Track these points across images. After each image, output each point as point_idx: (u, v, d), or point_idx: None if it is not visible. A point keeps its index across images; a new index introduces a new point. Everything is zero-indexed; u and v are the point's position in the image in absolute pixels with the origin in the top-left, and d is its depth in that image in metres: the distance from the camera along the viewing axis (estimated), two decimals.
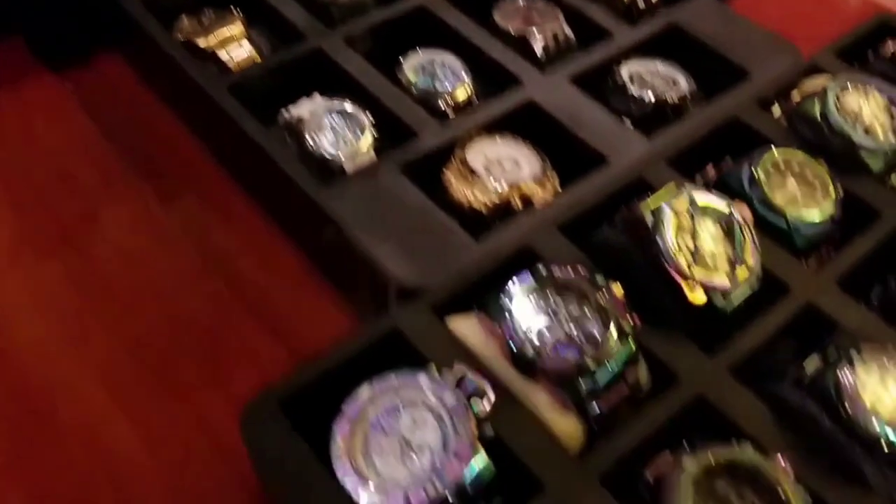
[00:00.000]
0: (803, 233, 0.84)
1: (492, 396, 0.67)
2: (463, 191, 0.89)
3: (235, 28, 1.09)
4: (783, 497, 0.62)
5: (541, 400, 0.70)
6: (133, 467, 0.79)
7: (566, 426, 0.69)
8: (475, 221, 0.87)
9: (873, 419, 0.66)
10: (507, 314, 0.71)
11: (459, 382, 0.67)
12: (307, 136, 0.93)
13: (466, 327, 0.75)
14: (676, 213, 0.76)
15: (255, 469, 0.74)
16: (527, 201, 0.89)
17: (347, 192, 0.88)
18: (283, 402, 0.69)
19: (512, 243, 0.82)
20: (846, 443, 0.66)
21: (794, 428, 0.69)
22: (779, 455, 0.65)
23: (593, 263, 0.80)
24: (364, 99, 0.98)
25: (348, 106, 0.97)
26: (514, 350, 0.70)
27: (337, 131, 0.95)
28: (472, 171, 0.89)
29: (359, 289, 0.88)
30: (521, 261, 0.78)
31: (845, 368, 0.68)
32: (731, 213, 0.78)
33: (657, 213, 0.76)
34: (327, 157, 0.92)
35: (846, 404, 0.66)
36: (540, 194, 0.90)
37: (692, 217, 0.77)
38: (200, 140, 1.07)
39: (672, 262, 0.74)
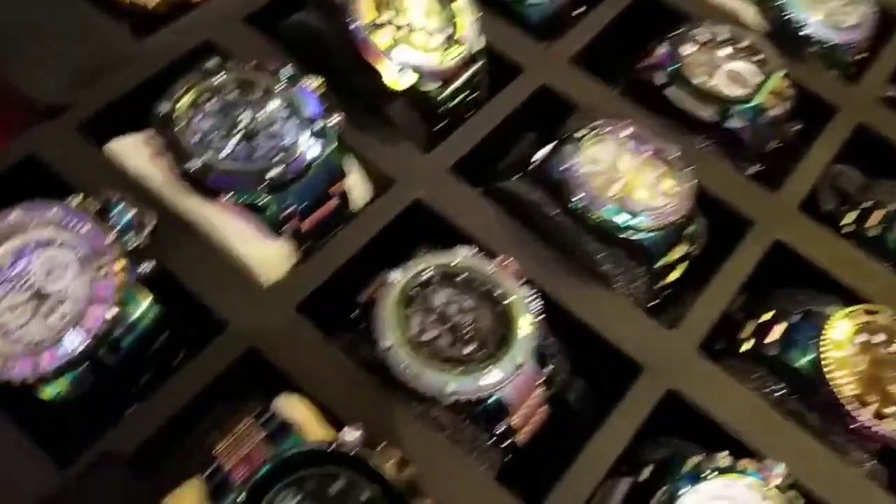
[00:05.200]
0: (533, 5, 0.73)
1: (149, 225, 0.53)
2: None
3: None
4: (504, 301, 0.53)
5: (228, 227, 0.57)
6: None
7: (260, 253, 0.57)
8: (144, 20, 0.70)
9: (605, 203, 0.57)
10: (171, 123, 0.56)
11: (104, 212, 0.52)
12: None
13: (129, 148, 0.60)
14: None
15: None
16: None
17: None
18: None
19: (187, 41, 0.66)
20: (575, 232, 0.58)
21: (524, 225, 0.60)
22: (502, 257, 0.55)
23: (288, 56, 0.65)
24: None
25: None
26: (183, 165, 0.55)
27: None
28: None
29: None
30: (198, 61, 0.62)
31: (573, 150, 0.59)
32: None
33: None
34: None
35: (571, 189, 0.57)
36: None
37: None
38: None
39: (368, 43, 0.61)
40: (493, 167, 0.68)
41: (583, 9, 0.76)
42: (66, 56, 0.64)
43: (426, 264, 0.54)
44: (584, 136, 0.60)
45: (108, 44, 0.66)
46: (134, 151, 0.59)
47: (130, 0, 0.70)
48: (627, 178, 0.59)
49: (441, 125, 0.65)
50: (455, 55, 0.63)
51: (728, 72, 0.69)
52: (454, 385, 0.49)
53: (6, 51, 0.64)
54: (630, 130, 0.61)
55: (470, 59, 0.65)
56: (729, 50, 0.70)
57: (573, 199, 0.57)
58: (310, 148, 0.57)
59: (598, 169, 0.59)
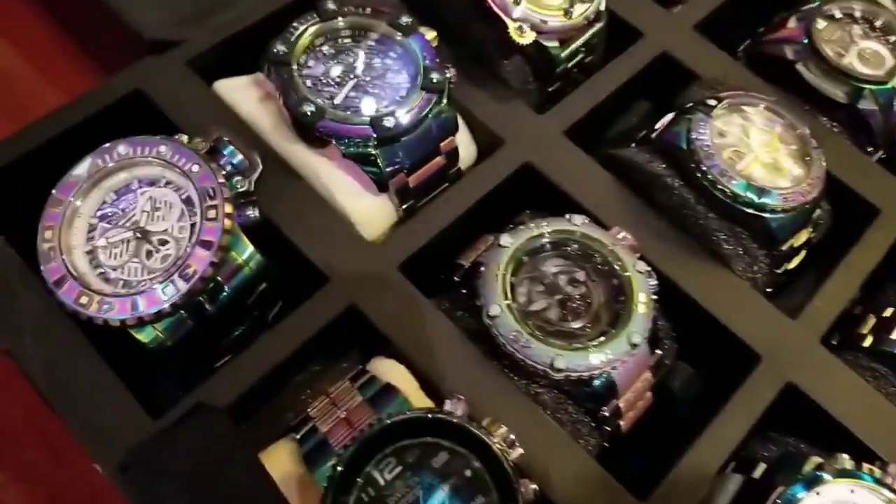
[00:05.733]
0: None
1: (257, 169, 0.52)
2: None
3: None
4: (620, 276, 0.50)
5: (334, 178, 0.55)
6: None
7: (364, 208, 0.55)
8: None
9: (733, 177, 0.53)
10: (285, 64, 0.54)
11: (214, 152, 0.51)
12: None
13: (238, 90, 0.58)
14: None
15: None
16: None
17: None
18: None
19: None
20: (698, 206, 0.54)
21: (642, 195, 0.57)
22: (618, 228, 0.52)
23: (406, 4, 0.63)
24: None
25: None
26: (294, 109, 0.53)
27: None
28: None
29: (104, 48, 0.69)
30: (307, 8, 0.60)
31: (703, 119, 0.55)
32: None
33: None
34: None
35: (700, 160, 0.54)
36: None
37: None
38: None
39: None
40: (606, 134, 0.65)
41: None
42: None
43: (539, 230, 0.51)
44: (714, 105, 0.56)
45: None
46: (244, 93, 0.58)
47: None
48: (758, 153, 0.55)
49: (556, 86, 0.62)
50: (579, 14, 0.59)
51: (861, 51, 0.65)
52: (564, 360, 0.47)
53: None
54: (763, 104, 0.57)
55: (593, 19, 0.61)
56: (863, 29, 0.66)
57: (702, 170, 0.53)
58: (423, 101, 0.55)
59: (727, 141, 0.56)
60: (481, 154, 0.59)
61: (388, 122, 0.53)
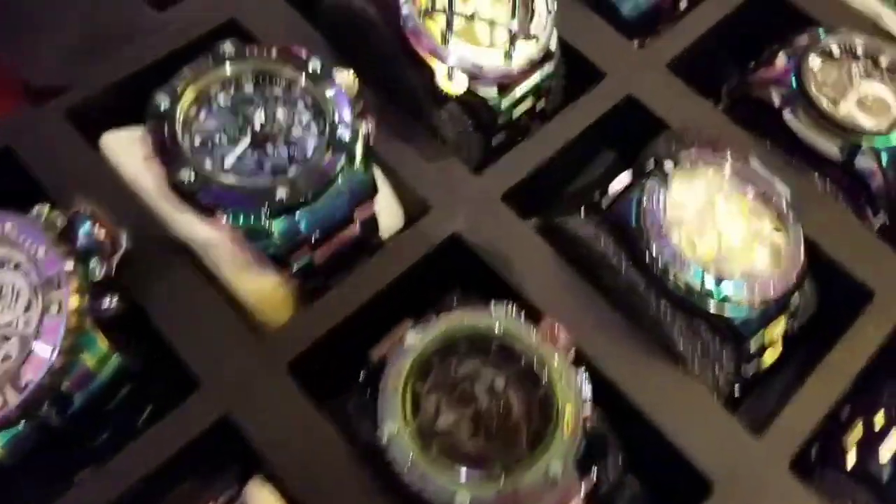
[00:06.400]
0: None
1: (121, 249, 0.44)
2: None
3: None
4: (546, 383, 0.42)
5: (223, 253, 0.47)
6: None
7: (258, 290, 0.47)
8: None
9: (688, 263, 0.45)
10: (168, 120, 0.47)
11: (69, 230, 0.43)
12: None
13: (125, 145, 0.50)
14: None
15: None
16: None
17: None
18: None
19: (208, 15, 0.56)
20: (648, 294, 0.46)
21: (589, 274, 0.48)
22: (550, 320, 0.44)
23: (326, 43, 0.55)
24: None
25: None
26: (171, 176, 0.45)
27: None
28: None
29: None
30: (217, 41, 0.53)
31: (656, 186, 0.47)
32: None
33: None
34: None
35: (649, 241, 0.45)
36: None
37: None
38: None
39: (419, 33, 0.49)
40: (559, 191, 0.56)
41: (686, 3, 0.63)
42: (67, 28, 0.55)
43: (452, 325, 0.43)
44: (672, 168, 0.47)
45: (120, 14, 0.56)
46: (131, 149, 0.50)
47: None
48: (723, 229, 0.47)
49: (501, 139, 0.54)
50: (521, 57, 0.51)
51: (862, 96, 0.55)
52: (466, 496, 0.39)
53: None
54: (731, 166, 0.49)
55: (540, 60, 0.53)
56: (865, 68, 0.56)
57: (652, 256, 0.45)
58: (330, 162, 0.47)
59: (685, 215, 0.47)
60: (409, 221, 0.51)
61: (281, 193, 0.45)
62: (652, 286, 0.46)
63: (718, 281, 0.44)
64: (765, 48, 0.59)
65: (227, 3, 0.56)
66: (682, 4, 0.63)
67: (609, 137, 0.58)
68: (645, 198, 0.46)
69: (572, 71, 0.56)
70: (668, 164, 0.47)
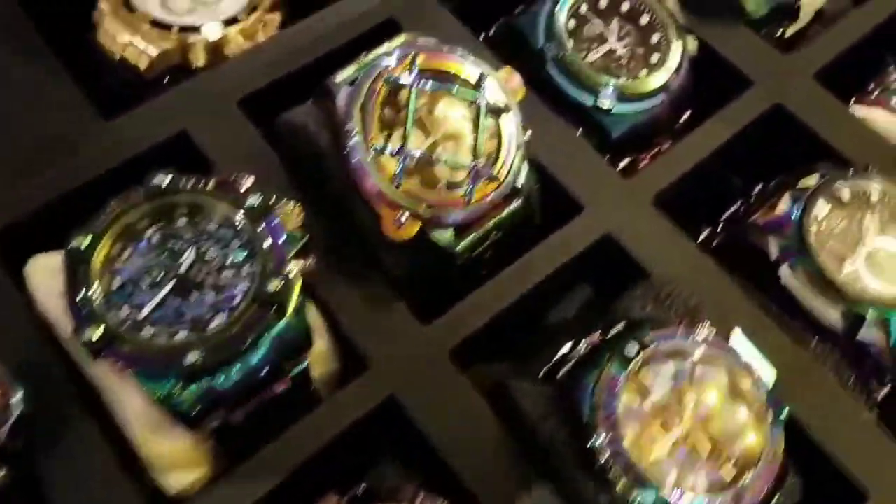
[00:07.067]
0: (620, 115, 0.54)
1: (12, 416, 0.40)
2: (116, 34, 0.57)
3: None
4: None
5: (133, 409, 0.43)
6: None
7: (168, 453, 0.43)
8: (127, 84, 0.57)
9: (641, 477, 0.39)
10: (81, 262, 0.43)
11: None
12: None
13: (49, 276, 0.47)
14: (387, 82, 0.46)
15: None
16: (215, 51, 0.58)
17: None
18: None
19: (160, 127, 0.52)
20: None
21: (525, 457, 0.43)
22: None
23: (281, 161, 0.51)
24: None
25: None
26: (79, 333, 0.41)
27: None
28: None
29: None
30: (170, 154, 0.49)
31: (612, 377, 0.41)
32: (481, 87, 0.47)
33: (359, 80, 0.46)
34: None
35: (600, 449, 0.39)
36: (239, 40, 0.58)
37: (420, 86, 0.46)
38: None
39: (367, 174, 0.45)
40: (517, 340, 0.51)
41: (686, 115, 0.57)
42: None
43: None
44: (634, 354, 0.41)
45: (65, 123, 0.53)
46: (52, 281, 0.46)
47: (121, 56, 0.57)
48: (687, 429, 0.41)
49: (455, 286, 0.49)
50: (485, 195, 0.46)
51: (872, 251, 0.49)
52: None
53: None
54: (705, 349, 0.42)
55: (505, 198, 0.48)
56: (880, 218, 0.50)
57: (596, 464, 0.39)
58: (259, 315, 0.42)
59: (645, 410, 0.41)
60: (345, 377, 0.47)
61: (193, 357, 0.41)
62: (601, 493, 0.40)
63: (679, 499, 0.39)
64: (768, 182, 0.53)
65: (180, 114, 0.52)
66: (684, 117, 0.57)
67: (586, 274, 0.52)
68: (601, 386, 0.41)
69: (548, 201, 0.51)
70: (630, 347, 0.41)
